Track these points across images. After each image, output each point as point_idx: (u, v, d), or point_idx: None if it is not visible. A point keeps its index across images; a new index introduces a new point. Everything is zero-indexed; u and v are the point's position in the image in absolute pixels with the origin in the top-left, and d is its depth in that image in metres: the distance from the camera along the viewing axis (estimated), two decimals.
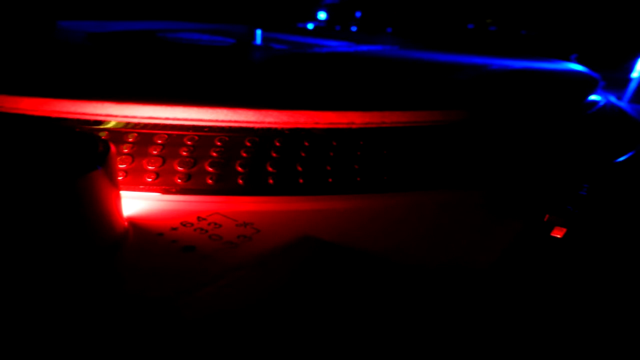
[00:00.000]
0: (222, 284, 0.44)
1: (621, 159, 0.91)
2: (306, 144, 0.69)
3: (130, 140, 0.65)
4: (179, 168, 0.63)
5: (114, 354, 0.36)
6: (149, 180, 0.62)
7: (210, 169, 0.64)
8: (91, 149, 0.47)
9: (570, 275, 0.52)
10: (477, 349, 0.41)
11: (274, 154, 0.67)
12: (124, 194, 0.54)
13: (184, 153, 0.65)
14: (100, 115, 0.67)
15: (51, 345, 0.36)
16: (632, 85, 1.51)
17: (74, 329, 0.37)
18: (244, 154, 0.66)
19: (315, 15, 3.29)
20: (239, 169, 0.64)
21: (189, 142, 0.66)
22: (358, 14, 3.31)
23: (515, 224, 0.61)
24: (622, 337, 0.44)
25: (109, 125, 0.67)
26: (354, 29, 3.26)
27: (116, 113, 0.67)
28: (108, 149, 0.47)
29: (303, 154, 0.68)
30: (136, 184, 0.62)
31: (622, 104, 1.43)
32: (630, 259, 0.57)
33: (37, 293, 0.39)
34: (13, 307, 0.38)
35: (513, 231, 0.59)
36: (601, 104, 1.13)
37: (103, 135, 0.65)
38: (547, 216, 0.61)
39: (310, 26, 3.14)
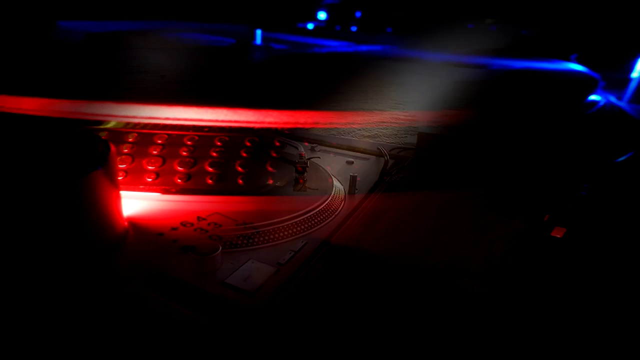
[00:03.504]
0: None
1: (621, 159, 0.91)
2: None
3: (130, 140, 0.65)
4: (179, 168, 0.63)
5: (114, 354, 0.36)
6: (149, 180, 0.62)
7: (210, 169, 0.64)
8: (91, 149, 0.47)
9: (570, 275, 0.52)
10: (477, 349, 0.41)
11: (274, 154, 0.67)
12: (124, 194, 0.54)
13: (184, 153, 0.65)
14: (100, 115, 0.67)
15: (51, 344, 0.36)
16: (632, 85, 1.51)
17: (74, 328, 0.37)
18: (244, 154, 0.66)
19: (315, 15, 3.29)
20: (239, 169, 0.64)
21: (189, 142, 0.66)
22: (358, 14, 3.31)
23: (515, 224, 0.61)
24: (622, 337, 0.44)
25: (109, 125, 0.67)
26: (354, 29, 3.26)
27: (116, 113, 0.67)
28: (108, 149, 0.47)
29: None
30: (136, 184, 0.62)
31: (622, 104, 1.43)
32: (630, 259, 0.57)
33: (38, 292, 0.40)
34: (13, 307, 0.38)
35: (513, 231, 0.59)
36: (601, 104, 1.13)
37: (103, 135, 0.65)
38: (547, 216, 0.61)
39: (310, 26, 3.14)
